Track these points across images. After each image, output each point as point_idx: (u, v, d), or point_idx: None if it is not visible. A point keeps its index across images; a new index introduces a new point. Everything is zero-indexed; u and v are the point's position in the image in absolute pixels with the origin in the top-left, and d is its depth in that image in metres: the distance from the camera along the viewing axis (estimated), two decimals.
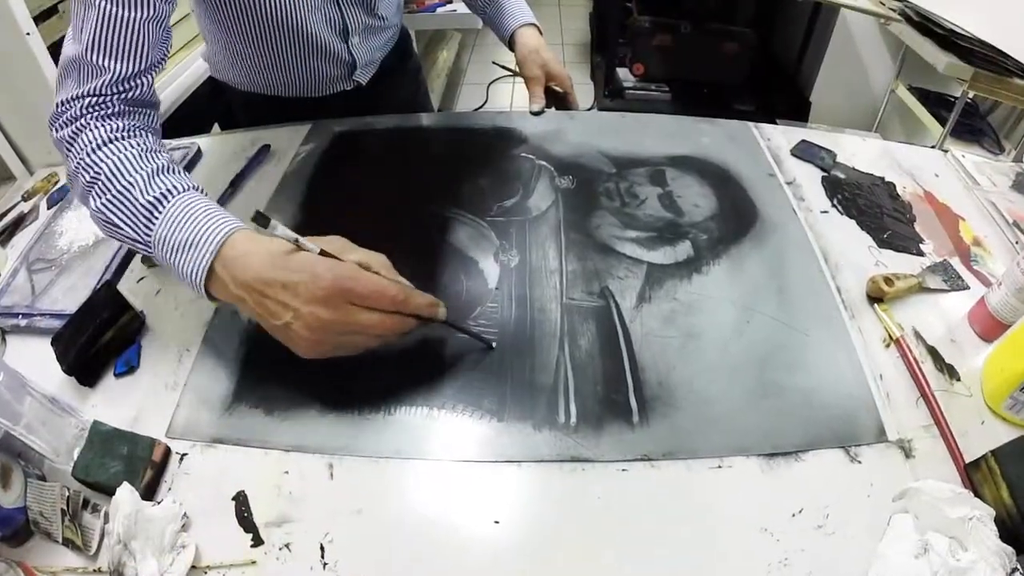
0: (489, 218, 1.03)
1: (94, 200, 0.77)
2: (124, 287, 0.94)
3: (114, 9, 0.79)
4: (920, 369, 0.80)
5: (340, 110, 1.28)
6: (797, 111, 3.05)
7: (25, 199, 1.19)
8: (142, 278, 0.97)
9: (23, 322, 0.91)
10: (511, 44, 1.36)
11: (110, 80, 0.81)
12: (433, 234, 1.00)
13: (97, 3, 0.79)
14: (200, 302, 0.89)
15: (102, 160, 0.77)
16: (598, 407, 0.76)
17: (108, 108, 0.81)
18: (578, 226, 1.01)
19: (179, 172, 0.80)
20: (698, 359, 0.81)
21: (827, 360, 0.81)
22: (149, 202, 0.74)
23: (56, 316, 0.91)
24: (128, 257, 1.00)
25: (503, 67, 1.48)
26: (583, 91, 3.84)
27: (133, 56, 0.82)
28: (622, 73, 3.39)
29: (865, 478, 0.70)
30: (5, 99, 1.24)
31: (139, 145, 0.80)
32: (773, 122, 1.30)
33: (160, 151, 0.81)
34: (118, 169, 0.76)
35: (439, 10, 2.68)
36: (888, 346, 0.83)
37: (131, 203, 0.75)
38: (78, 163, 0.79)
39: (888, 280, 0.88)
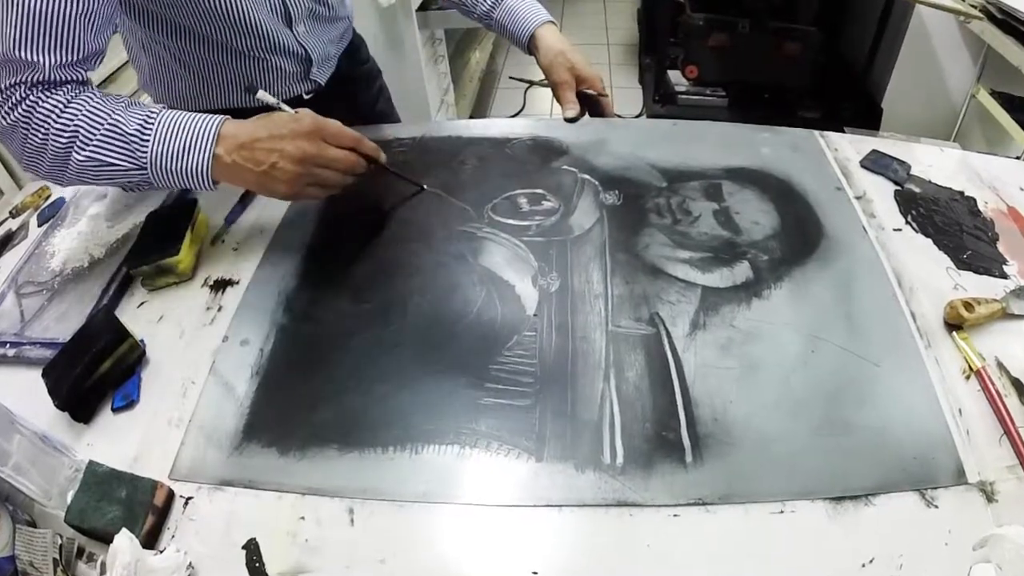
0: (527, 238, 1.05)
1: (78, 152, 0.93)
2: (123, 313, 0.97)
3: (38, 5, 0.87)
4: (1003, 403, 0.81)
5: None
6: (867, 118, 3.04)
7: (13, 215, 1.22)
8: (143, 303, 1.00)
9: (11, 352, 0.94)
10: (530, 48, 1.37)
11: (46, 68, 0.91)
12: (465, 255, 1.03)
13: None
14: (205, 330, 0.95)
15: (72, 118, 0.92)
16: (647, 445, 0.78)
17: (51, 85, 0.93)
18: (625, 246, 1.04)
19: (140, 103, 0.97)
20: (758, 393, 0.83)
21: (900, 394, 0.83)
22: (136, 130, 0.93)
23: (48, 345, 0.93)
24: (127, 281, 1.03)
25: (521, 80, 1.49)
26: (630, 96, 3.88)
27: (63, 47, 0.92)
28: (674, 76, 3.40)
29: (943, 524, 0.71)
30: None
31: (96, 94, 0.96)
32: (841, 130, 1.33)
33: (110, 94, 0.98)
34: (93, 117, 0.93)
35: None
36: (968, 378, 0.85)
37: (120, 137, 0.93)
38: (46, 132, 0.92)
39: (968, 305, 0.89)
